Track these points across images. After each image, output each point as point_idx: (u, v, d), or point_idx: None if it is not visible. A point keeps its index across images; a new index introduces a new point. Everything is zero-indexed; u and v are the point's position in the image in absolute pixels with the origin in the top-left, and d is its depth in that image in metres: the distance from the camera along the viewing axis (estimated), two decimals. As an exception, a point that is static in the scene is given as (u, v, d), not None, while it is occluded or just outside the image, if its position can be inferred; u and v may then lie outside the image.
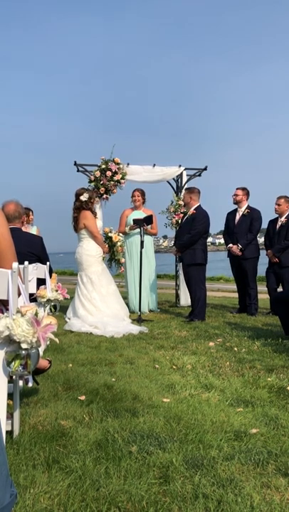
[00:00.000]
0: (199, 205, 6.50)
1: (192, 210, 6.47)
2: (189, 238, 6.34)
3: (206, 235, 6.59)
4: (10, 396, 2.31)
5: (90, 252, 6.09)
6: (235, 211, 7.06)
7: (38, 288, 3.47)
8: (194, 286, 6.38)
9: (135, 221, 6.73)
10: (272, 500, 1.74)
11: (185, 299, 7.65)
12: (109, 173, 7.11)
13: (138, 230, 6.66)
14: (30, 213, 6.86)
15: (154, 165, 7.61)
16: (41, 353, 2.29)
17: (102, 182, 7.14)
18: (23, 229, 4.08)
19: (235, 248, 6.80)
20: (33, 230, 6.82)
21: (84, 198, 6.02)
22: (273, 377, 3.41)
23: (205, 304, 6.44)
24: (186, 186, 7.63)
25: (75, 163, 7.40)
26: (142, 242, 6.39)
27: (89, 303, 5.96)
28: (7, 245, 2.00)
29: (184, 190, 7.18)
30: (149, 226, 6.98)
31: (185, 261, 6.48)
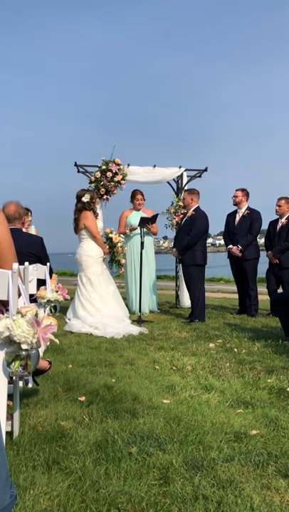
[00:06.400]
0: (198, 206, 6.55)
1: (191, 211, 6.51)
2: (189, 240, 6.39)
3: (206, 236, 6.63)
4: (10, 397, 2.31)
5: (90, 253, 6.09)
6: (235, 212, 7.07)
7: (38, 289, 3.47)
8: (193, 287, 6.40)
9: (142, 219, 6.64)
10: (272, 502, 1.74)
11: (185, 300, 7.65)
12: (109, 174, 7.11)
13: (138, 230, 6.65)
14: (29, 214, 6.84)
15: (155, 166, 7.62)
16: (41, 354, 2.29)
17: (102, 183, 7.14)
18: (24, 230, 4.08)
19: (235, 249, 6.81)
20: (31, 230, 6.80)
21: (86, 199, 6.02)
22: (273, 378, 3.41)
23: (204, 304, 6.45)
24: (186, 187, 7.64)
25: (76, 164, 7.41)
26: (142, 243, 6.40)
27: (88, 303, 5.97)
28: (7, 246, 2.00)
29: (183, 191, 7.19)
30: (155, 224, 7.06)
31: (185, 262, 6.50)
